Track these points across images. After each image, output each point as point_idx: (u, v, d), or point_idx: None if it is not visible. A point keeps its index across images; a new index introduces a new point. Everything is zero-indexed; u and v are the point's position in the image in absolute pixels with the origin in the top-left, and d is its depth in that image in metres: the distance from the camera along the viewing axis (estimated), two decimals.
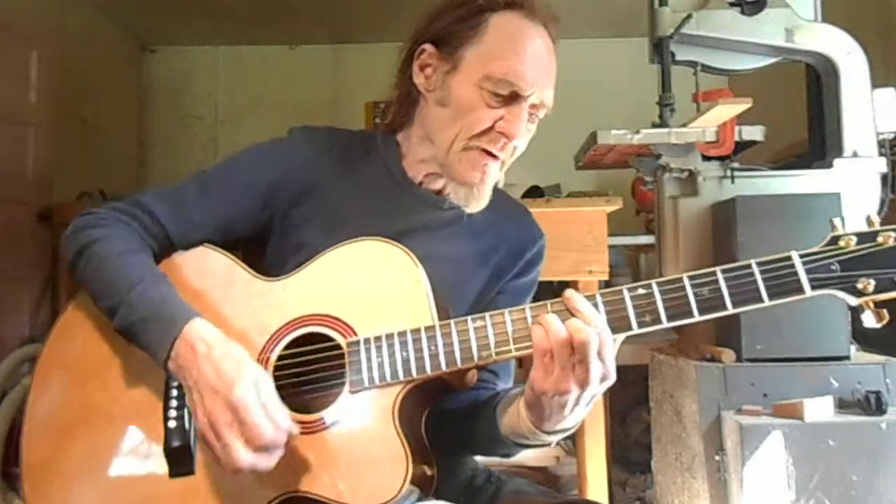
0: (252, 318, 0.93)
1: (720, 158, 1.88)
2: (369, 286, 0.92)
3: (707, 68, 2.01)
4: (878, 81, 1.89)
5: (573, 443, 1.99)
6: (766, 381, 1.65)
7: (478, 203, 1.02)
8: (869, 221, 0.77)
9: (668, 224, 1.90)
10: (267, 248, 1.03)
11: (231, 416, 0.81)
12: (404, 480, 0.82)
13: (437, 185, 1.04)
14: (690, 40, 1.93)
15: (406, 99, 1.05)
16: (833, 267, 0.74)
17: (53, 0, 3.12)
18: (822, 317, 1.68)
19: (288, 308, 0.93)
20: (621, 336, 0.82)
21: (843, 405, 1.60)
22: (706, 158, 1.89)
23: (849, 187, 1.79)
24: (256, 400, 0.81)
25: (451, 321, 0.87)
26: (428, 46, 1.00)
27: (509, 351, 0.84)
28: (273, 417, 0.81)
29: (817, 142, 1.98)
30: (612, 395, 2.42)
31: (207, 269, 0.98)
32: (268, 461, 0.82)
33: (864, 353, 1.78)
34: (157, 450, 0.88)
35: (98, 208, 1.00)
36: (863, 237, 0.74)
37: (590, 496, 1.78)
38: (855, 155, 1.85)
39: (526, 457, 2.00)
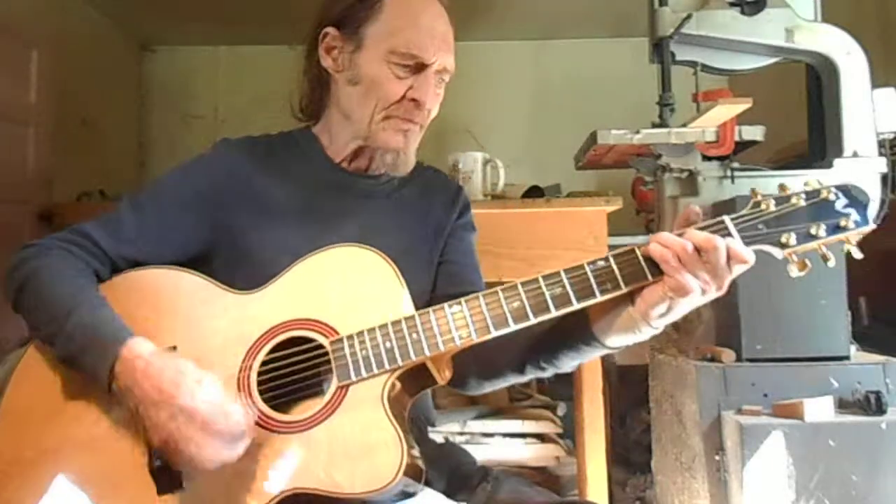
0: (231, 331, 0.94)
1: (720, 158, 1.88)
2: (345, 288, 0.94)
3: (707, 68, 2.01)
4: (878, 81, 1.89)
5: (573, 443, 1.99)
6: (766, 381, 1.65)
7: (406, 166, 1.09)
8: (782, 188, 0.88)
9: (668, 224, 1.90)
10: (213, 263, 1.03)
11: (180, 421, 0.82)
12: (401, 463, 0.83)
13: (365, 160, 1.09)
14: (690, 40, 1.93)
15: (318, 84, 1.11)
16: (759, 227, 0.85)
17: (53, 0, 3.12)
18: (822, 317, 1.68)
19: (266, 317, 0.94)
20: (589, 302, 0.86)
21: (843, 405, 1.61)
22: (706, 158, 1.89)
23: None
24: (201, 399, 0.82)
25: (429, 309, 0.90)
26: (330, 29, 1.06)
27: (489, 331, 0.87)
28: (224, 409, 0.83)
29: (817, 142, 1.98)
30: (612, 395, 2.42)
31: (180, 288, 0.98)
32: (232, 451, 0.83)
33: (864, 353, 1.78)
34: (141, 471, 0.87)
35: (38, 240, 1.00)
36: (779, 200, 0.86)
37: (590, 496, 1.78)
38: (855, 155, 1.85)
39: (526, 457, 2.00)
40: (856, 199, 0.85)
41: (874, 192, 1.82)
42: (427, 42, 1.01)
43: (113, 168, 3.56)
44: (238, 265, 1.01)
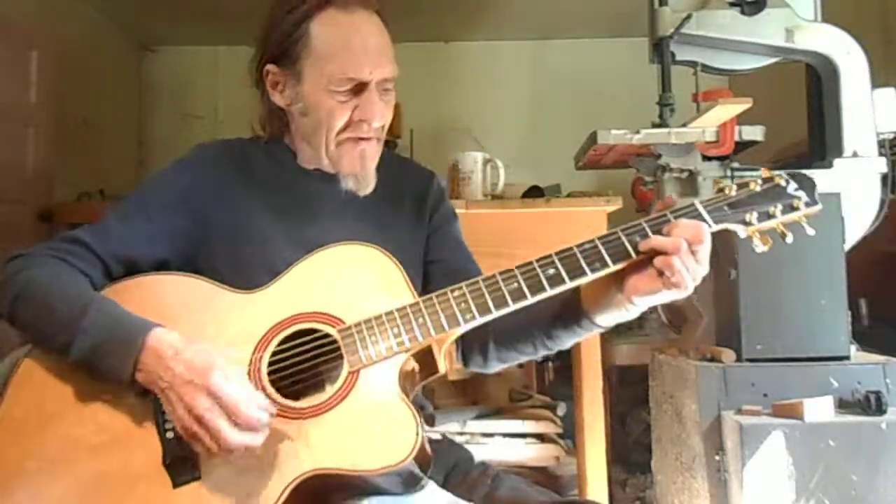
0: (235, 330, 0.95)
1: (720, 158, 1.88)
2: (348, 282, 0.97)
3: (707, 68, 2.01)
4: (878, 81, 1.89)
5: (573, 443, 1.99)
6: (766, 381, 1.65)
7: (367, 186, 1.11)
8: (740, 179, 0.98)
9: None
10: (198, 262, 1.05)
11: (211, 402, 0.84)
12: (417, 438, 0.85)
13: (331, 171, 1.12)
14: (690, 40, 1.93)
15: (274, 115, 1.14)
16: (725, 208, 0.96)
17: (53, 0, 3.12)
18: (822, 317, 1.67)
19: (273, 312, 0.96)
20: (581, 280, 0.93)
21: (843, 405, 1.60)
22: (706, 158, 1.89)
23: (849, 187, 1.79)
24: (232, 384, 0.85)
25: (433, 294, 0.94)
26: (271, 67, 1.10)
27: (490, 311, 0.92)
28: (251, 399, 0.85)
29: (817, 142, 1.98)
30: (612, 395, 2.42)
31: (179, 292, 1.00)
32: (255, 439, 0.85)
33: (864, 353, 1.78)
34: (154, 467, 0.87)
35: (25, 250, 1.01)
36: (740, 186, 0.98)
37: (590, 496, 1.78)
38: (855, 155, 1.85)
39: (526, 457, 2.00)
40: (803, 183, 0.97)
41: (874, 192, 1.82)
42: (361, 61, 1.03)
43: (113, 168, 3.56)
44: (224, 263, 1.03)
